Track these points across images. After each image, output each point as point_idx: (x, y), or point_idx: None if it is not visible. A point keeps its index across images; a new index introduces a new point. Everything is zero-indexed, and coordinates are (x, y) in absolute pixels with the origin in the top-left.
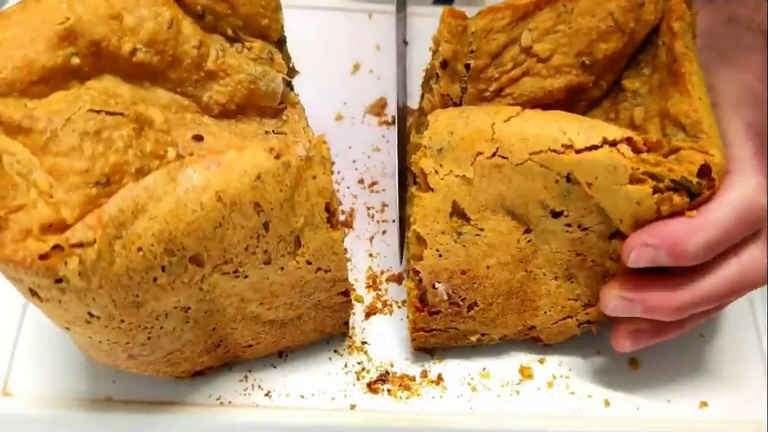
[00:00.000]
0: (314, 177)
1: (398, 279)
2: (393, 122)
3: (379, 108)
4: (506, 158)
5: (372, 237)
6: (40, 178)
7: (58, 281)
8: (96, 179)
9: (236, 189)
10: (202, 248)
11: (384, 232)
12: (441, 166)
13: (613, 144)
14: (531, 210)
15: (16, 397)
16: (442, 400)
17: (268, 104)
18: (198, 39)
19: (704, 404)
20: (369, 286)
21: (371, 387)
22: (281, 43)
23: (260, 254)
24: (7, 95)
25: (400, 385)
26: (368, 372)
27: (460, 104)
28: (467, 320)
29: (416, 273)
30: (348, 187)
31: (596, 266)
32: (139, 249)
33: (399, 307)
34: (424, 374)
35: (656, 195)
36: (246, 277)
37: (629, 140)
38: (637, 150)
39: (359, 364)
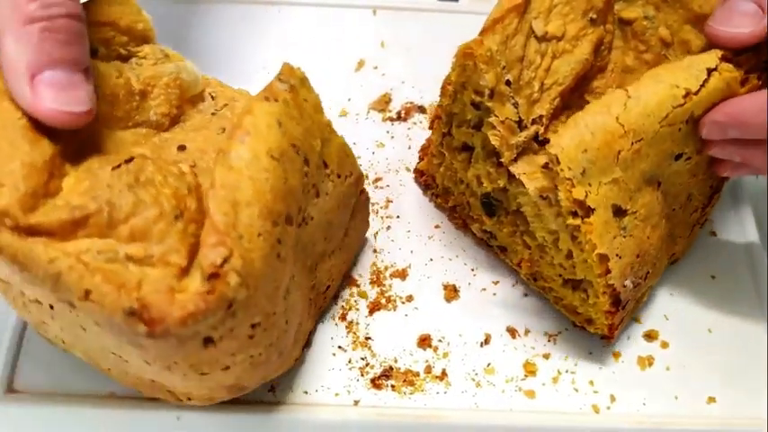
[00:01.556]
0: (305, 100)
1: (403, 275)
2: (397, 118)
3: (383, 104)
4: (641, 140)
5: (377, 233)
6: (129, 250)
7: (229, 306)
8: (174, 213)
9: (276, 142)
10: (287, 206)
11: (388, 228)
12: (590, 185)
13: (716, 69)
14: (662, 166)
15: (21, 394)
16: (447, 396)
17: (194, 92)
18: (115, 69)
19: (712, 400)
20: (373, 282)
21: (375, 383)
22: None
23: (311, 190)
24: (35, 208)
25: (404, 381)
26: (372, 367)
27: (521, 121)
28: (642, 288)
29: (610, 286)
30: None
31: (705, 176)
32: (259, 235)
33: (403, 303)
34: (428, 370)
35: (758, 82)
36: (312, 219)
37: (723, 57)
38: (730, 60)
39: (363, 359)
